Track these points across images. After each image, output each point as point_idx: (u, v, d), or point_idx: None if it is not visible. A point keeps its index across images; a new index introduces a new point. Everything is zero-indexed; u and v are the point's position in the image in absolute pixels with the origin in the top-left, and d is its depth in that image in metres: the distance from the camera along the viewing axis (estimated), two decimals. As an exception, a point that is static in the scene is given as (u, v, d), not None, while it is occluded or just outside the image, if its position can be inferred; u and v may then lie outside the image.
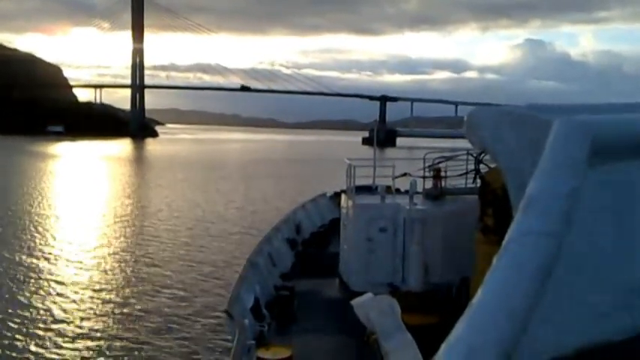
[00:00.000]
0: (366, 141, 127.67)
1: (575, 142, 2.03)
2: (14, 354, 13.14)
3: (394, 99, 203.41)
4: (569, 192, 1.76)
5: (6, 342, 13.75)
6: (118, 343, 14.16)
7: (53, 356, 13.37)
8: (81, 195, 41.75)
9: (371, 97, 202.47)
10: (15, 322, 15.08)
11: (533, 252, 1.59)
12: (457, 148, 12.14)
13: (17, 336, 14.19)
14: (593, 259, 1.97)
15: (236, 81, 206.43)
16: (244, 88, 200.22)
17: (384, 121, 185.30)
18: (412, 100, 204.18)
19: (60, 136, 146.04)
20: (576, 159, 1.90)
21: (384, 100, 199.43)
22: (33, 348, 13.64)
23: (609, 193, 2.11)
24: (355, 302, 6.17)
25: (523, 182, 1.95)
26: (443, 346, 1.47)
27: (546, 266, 1.56)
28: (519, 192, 1.94)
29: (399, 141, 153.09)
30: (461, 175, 11.47)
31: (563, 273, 1.74)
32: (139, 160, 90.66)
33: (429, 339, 3.88)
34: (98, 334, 14.75)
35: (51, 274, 20.25)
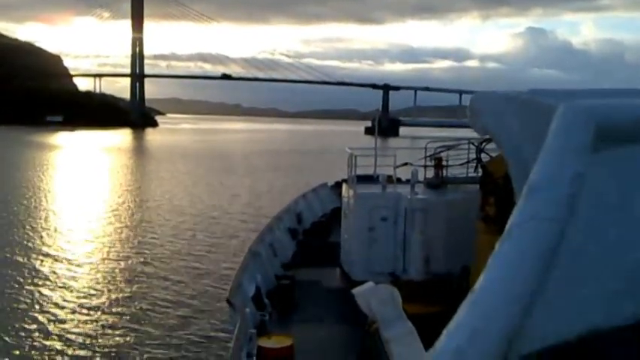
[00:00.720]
0: (368, 130, 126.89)
1: (579, 127, 2.00)
2: (14, 352, 13.17)
3: (397, 88, 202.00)
4: (572, 177, 1.74)
5: (4, 340, 13.70)
6: (118, 333, 14.25)
7: (53, 349, 13.49)
8: (79, 188, 41.59)
9: (374, 86, 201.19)
10: (13, 318, 15.12)
11: (537, 237, 1.57)
12: (461, 138, 12.11)
13: (15, 333, 14.20)
14: (596, 244, 1.95)
15: (237, 70, 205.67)
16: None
17: (387, 110, 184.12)
18: (415, 89, 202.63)
19: (59, 126, 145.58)
20: (580, 144, 1.87)
21: (386, 88, 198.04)
22: (35, 343, 13.74)
23: (613, 178, 2.08)
24: (356, 291, 6.17)
25: (526, 167, 1.93)
26: (446, 330, 1.45)
27: (549, 251, 1.54)
28: (522, 177, 1.92)
29: (402, 130, 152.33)
30: (462, 164, 11.45)
31: (566, 258, 1.72)
32: (139, 150, 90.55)
33: (429, 328, 3.88)
34: (95, 327, 14.83)
35: (50, 267, 20.34)
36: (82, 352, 13.10)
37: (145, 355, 12.85)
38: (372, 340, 6.29)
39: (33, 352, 12.98)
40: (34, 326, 14.41)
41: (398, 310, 5.82)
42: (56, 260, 20.97)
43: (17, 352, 12.94)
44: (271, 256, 11.39)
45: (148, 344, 13.50)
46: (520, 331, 1.41)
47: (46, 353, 12.96)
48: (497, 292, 1.47)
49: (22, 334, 13.92)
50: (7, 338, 13.61)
